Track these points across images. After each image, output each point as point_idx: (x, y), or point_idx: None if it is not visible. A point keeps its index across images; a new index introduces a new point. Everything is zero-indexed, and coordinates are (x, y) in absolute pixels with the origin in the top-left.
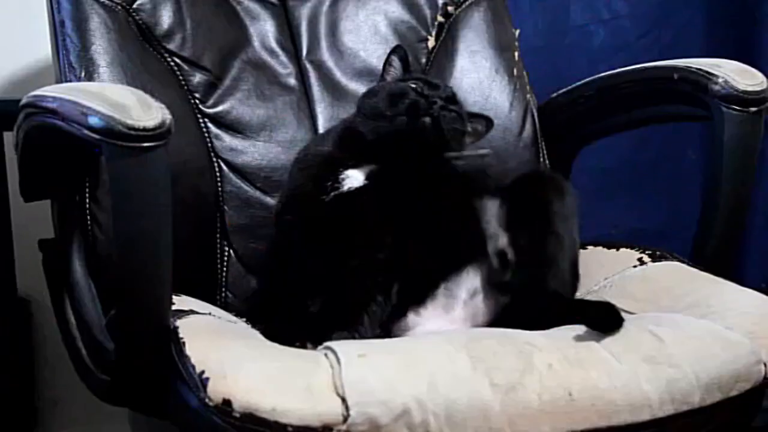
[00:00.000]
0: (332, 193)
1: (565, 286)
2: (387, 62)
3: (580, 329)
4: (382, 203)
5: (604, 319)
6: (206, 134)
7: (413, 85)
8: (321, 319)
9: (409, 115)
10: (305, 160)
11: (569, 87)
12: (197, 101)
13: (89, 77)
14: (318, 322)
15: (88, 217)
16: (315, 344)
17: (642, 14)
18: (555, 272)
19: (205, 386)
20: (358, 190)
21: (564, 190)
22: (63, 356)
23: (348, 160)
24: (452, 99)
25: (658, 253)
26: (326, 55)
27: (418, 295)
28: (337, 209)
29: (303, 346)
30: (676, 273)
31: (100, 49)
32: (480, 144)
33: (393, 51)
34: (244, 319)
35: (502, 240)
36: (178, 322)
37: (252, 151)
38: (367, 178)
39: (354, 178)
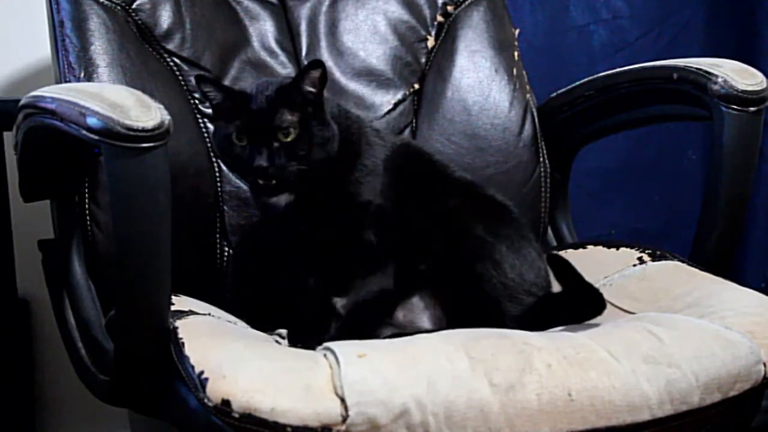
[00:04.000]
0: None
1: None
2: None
3: (580, 329)
4: (309, 229)
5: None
6: (206, 134)
7: (235, 142)
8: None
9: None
10: None
11: (569, 87)
12: (197, 101)
13: (89, 77)
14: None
15: (88, 217)
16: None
17: (642, 14)
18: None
19: (204, 386)
20: (288, 214)
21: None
22: (63, 356)
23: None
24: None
25: (658, 252)
26: (326, 55)
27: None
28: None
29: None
30: (675, 272)
31: (100, 49)
32: (479, 144)
33: (198, 82)
34: (244, 320)
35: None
36: (178, 323)
37: None
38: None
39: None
